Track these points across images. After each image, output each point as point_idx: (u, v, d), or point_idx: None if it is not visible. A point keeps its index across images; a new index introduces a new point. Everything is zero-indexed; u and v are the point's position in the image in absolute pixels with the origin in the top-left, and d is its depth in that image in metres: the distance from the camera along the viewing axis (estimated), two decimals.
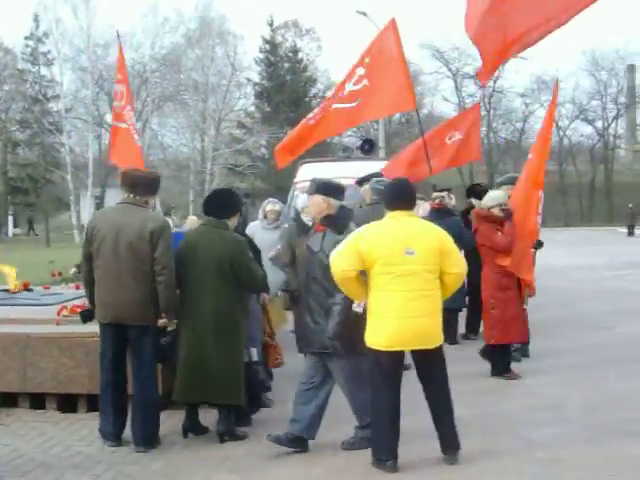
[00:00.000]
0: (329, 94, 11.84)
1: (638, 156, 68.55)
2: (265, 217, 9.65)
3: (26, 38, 45.67)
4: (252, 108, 52.03)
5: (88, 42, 42.51)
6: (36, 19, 44.91)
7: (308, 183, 12.95)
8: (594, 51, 64.04)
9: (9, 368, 6.88)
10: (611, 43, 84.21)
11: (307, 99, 51.66)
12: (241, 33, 51.22)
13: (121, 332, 6.09)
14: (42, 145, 44.09)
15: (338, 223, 5.83)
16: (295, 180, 14.91)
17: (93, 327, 6.82)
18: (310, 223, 6.78)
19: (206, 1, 45.68)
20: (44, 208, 43.87)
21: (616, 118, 64.99)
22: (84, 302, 7.85)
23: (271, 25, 50.99)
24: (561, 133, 64.17)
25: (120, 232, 6.03)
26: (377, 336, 5.43)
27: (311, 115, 10.23)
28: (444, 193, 10.47)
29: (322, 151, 28.98)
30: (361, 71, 9.99)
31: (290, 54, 52.17)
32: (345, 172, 13.91)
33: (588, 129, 65.59)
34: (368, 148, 15.73)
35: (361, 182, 9.07)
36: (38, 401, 7.01)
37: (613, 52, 63.31)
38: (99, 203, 49.21)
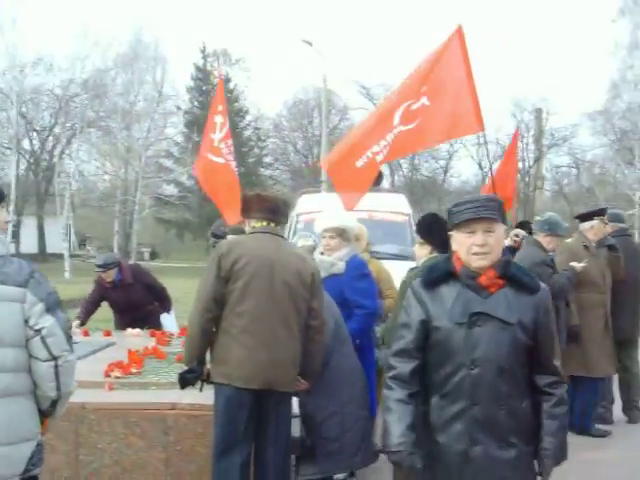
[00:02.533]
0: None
1: (557, 197, 69.43)
2: None
3: None
4: (180, 138, 50.25)
5: (13, 62, 40.15)
6: None
7: (313, 215, 11.78)
8: (516, 92, 64.77)
9: (55, 449, 5.21)
10: (532, 85, 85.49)
11: (238, 130, 50.23)
12: (170, 59, 49.08)
13: (258, 399, 4.63)
14: None
15: (525, 276, 3.42)
16: (297, 212, 13.51)
17: (166, 395, 5.35)
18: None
19: (141, 23, 43.93)
20: None
21: (537, 160, 65.68)
22: (137, 356, 6.40)
23: (203, 52, 49.56)
24: (484, 173, 64.57)
25: (275, 269, 4.67)
26: None
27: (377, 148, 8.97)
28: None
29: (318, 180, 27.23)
30: (423, 88, 8.76)
31: None
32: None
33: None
34: (376, 179, 14.37)
35: (584, 218, 8.12)
36: None
37: (535, 94, 64.19)
38: (15, 231, 46.57)
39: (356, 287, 5.90)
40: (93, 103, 44.03)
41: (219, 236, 10.32)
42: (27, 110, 45.46)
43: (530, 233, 8.57)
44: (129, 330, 8.36)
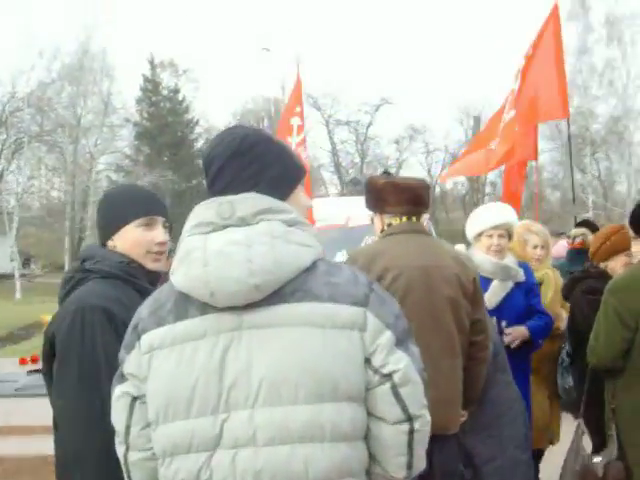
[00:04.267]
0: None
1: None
2: None
3: None
4: (128, 150, 48.89)
5: None
6: None
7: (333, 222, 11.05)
8: (464, 99, 64.81)
9: None
10: (479, 92, 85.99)
11: (188, 142, 49.22)
12: (118, 70, 47.53)
13: None
14: None
15: None
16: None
17: None
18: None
19: (88, 33, 42.42)
20: None
21: None
22: None
23: (152, 63, 48.37)
24: (433, 180, 64.69)
25: (432, 280, 3.65)
26: None
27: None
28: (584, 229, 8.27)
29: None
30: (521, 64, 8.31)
31: (170, 94, 49.58)
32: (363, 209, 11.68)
33: (460, 177, 66.33)
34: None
35: None
36: None
37: (481, 100, 64.32)
38: None
39: (537, 293, 5.11)
40: (37, 117, 42.65)
41: None
42: None
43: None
44: None
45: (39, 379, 6.77)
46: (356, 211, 12.28)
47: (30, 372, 7.10)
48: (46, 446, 5.11)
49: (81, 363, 2.60)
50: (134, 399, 2.08)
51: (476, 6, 78.08)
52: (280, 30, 69.91)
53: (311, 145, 60.91)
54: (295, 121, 9.31)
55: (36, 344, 15.52)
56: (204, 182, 2.12)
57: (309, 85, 58.38)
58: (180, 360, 1.98)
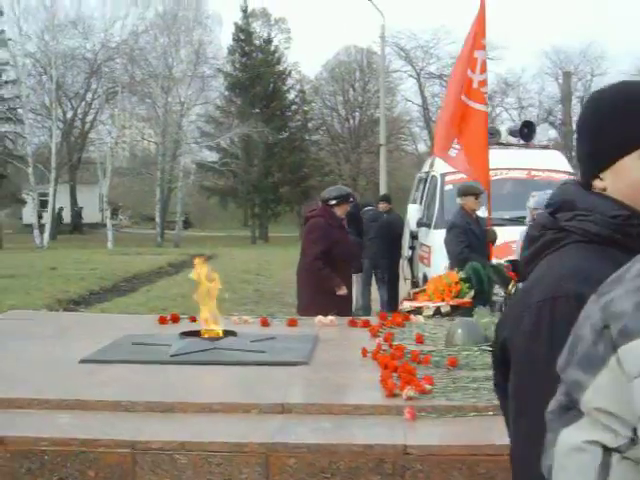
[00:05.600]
0: None
1: None
2: None
3: None
4: (219, 101, 48.28)
5: (52, 21, 38.13)
6: None
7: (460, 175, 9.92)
8: (559, 54, 62.00)
9: None
10: (575, 45, 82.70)
11: (281, 93, 48.41)
12: (211, 19, 46.29)
13: None
14: None
15: None
16: (437, 171, 11.65)
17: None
18: None
19: None
20: None
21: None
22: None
23: (245, 12, 47.42)
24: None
25: None
26: None
27: None
28: None
29: None
30: None
31: (263, 45, 48.70)
32: (502, 162, 10.57)
33: (553, 133, 64.06)
34: (528, 132, 12.43)
35: None
36: None
37: (578, 55, 61.50)
38: (44, 201, 44.52)
39: None
40: (129, 67, 42.21)
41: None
42: (59, 75, 43.56)
43: None
44: (319, 318, 6.54)
45: (193, 344, 5.93)
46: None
47: (183, 335, 6.26)
48: (233, 429, 4.23)
49: (544, 382, 1.57)
50: (607, 452, 1.24)
51: None
52: None
53: (401, 99, 59.67)
54: (480, 55, 8.00)
55: (146, 298, 14.93)
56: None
57: (400, 38, 56.94)
58: None
